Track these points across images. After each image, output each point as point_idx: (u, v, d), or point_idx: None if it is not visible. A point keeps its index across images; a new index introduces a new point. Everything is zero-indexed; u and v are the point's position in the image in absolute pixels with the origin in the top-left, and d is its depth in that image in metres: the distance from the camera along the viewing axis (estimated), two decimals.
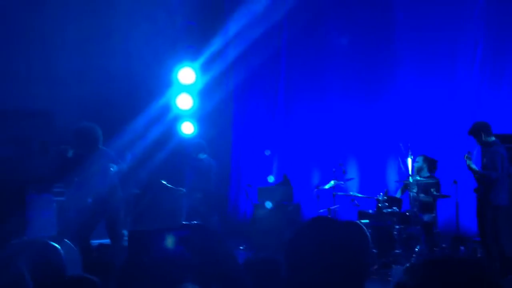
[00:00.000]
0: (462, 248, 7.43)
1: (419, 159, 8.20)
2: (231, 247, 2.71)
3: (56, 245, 2.83)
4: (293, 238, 2.04)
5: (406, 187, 8.27)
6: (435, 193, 7.82)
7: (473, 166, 7.06)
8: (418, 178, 8.04)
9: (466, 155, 7.10)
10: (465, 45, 9.12)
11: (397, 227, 7.68)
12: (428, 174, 8.17)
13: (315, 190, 8.66)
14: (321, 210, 8.37)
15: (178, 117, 10.12)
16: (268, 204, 9.02)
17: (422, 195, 7.93)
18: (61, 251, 2.81)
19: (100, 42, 9.32)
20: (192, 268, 2.52)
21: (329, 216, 8.24)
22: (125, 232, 7.18)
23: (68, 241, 6.09)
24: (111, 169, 6.96)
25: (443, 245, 7.57)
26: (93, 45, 9.27)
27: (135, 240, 3.22)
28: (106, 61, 9.20)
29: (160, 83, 9.99)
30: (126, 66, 9.35)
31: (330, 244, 1.96)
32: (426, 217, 7.92)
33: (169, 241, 2.63)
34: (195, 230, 2.80)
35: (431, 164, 8.24)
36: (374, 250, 7.45)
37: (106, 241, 7.15)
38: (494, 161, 6.93)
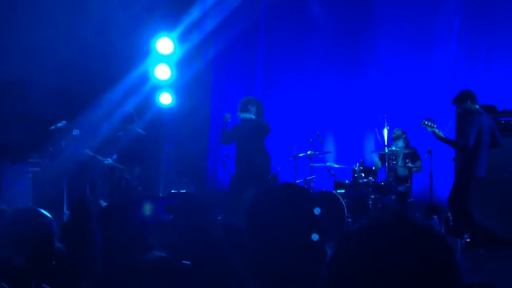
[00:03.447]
0: (435, 217, 7.52)
1: (396, 131, 8.24)
2: (216, 216, 2.69)
3: (47, 214, 2.69)
4: (256, 202, 1.91)
5: (383, 158, 8.32)
6: (410, 164, 7.89)
7: (441, 134, 6.83)
8: (394, 148, 8.09)
9: (424, 121, 6.85)
10: (443, 19, 9.21)
11: (372, 197, 7.76)
12: (403, 145, 8.24)
13: (292, 159, 8.67)
14: (298, 181, 8.40)
15: (156, 88, 10.00)
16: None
17: (397, 165, 7.99)
18: (52, 220, 2.67)
19: (74, 9, 9.12)
20: (177, 235, 2.50)
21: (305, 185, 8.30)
22: (102, 203, 7.12)
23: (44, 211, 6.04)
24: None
25: (417, 215, 7.65)
26: (67, 12, 9.04)
27: (108, 214, 3.14)
28: (80, 29, 8.98)
29: (137, 53, 9.82)
30: (102, 35, 9.13)
31: (294, 212, 1.83)
32: (401, 187, 8.00)
33: (147, 209, 2.61)
34: (182, 198, 2.79)
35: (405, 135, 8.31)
36: (349, 219, 7.52)
37: None
38: (467, 129, 6.73)
